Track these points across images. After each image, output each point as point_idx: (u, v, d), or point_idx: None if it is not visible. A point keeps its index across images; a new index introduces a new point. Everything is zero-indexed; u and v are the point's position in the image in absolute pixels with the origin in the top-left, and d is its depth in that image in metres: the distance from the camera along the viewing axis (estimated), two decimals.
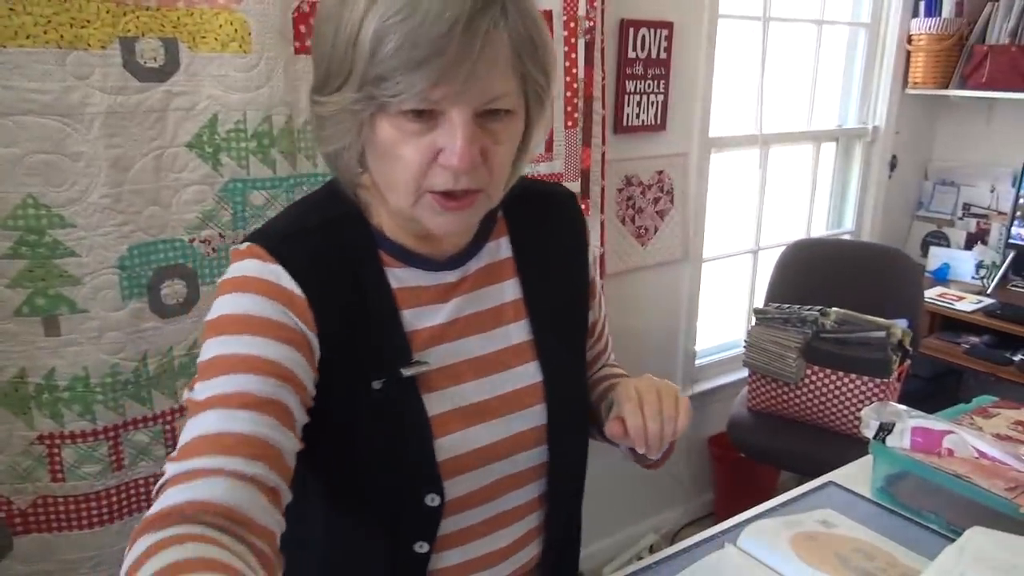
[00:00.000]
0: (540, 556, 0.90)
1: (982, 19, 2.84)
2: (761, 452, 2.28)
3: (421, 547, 0.77)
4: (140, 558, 0.53)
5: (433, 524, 0.77)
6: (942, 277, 3.07)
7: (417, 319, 0.77)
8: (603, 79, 1.97)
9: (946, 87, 2.92)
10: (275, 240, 0.73)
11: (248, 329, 0.68)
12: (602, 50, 1.95)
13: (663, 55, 2.15)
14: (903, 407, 1.15)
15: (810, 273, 2.46)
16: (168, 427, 1.48)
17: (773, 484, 2.60)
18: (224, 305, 0.70)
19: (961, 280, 3.04)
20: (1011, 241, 2.91)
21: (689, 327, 2.54)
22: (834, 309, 2.16)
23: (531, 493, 0.85)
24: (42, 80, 1.22)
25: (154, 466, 1.47)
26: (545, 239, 0.88)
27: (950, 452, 1.08)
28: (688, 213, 2.41)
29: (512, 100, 0.69)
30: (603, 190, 2.09)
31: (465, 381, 0.79)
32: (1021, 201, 2.87)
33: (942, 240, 3.23)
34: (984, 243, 3.09)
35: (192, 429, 0.64)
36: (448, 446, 0.77)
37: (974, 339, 2.73)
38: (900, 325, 2.09)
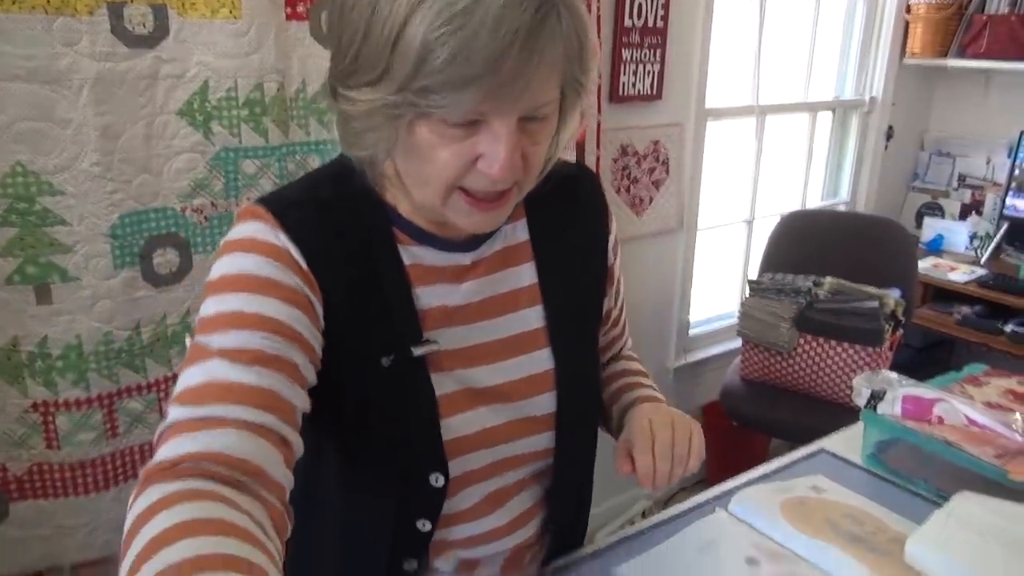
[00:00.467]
0: (543, 532, 0.90)
1: None
2: (753, 420, 2.30)
3: (424, 525, 0.77)
4: (150, 510, 0.51)
5: (437, 503, 0.77)
6: (936, 248, 3.07)
7: (429, 297, 0.76)
8: (599, 47, 1.95)
9: (944, 57, 2.90)
10: (283, 206, 0.71)
11: (252, 288, 0.66)
12: (598, 18, 1.93)
13: (660, 23, 2.13)
14: (894, 375, 1.16)
15: (804, 244, 2.46)
16: (163, 395, 1.48)
17: (764, 452, 2.63)
18: (226, 265, 0.68)
19: (955, 251, 3.05)
20: (1005, 212, 2.91)
21: (683, 297, 2.55)
22: (828, 279, 2.17)
23: (536, 474, 0.85)
24: (29, 46, 1.20)
25: (148, 434, 1.48)
26: (564, 223, 0.85)
27: (940, 420, 1.09)
28: (683, 183, 2.40)
29: (555, 103, 0.67)
30: (598, 160, 2.08)
31: (475, 365, 0.78)
32: (1016, 172, 2.87)
33: (936, 211, 3.23)
34: (979, 214, 3.09)
35: (198, 374, 0.62)
36: (454, 427, 0.76)
37: (966, 309, 2.75)
38: (893, 295, 2.10)
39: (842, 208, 3.10)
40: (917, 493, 1.07)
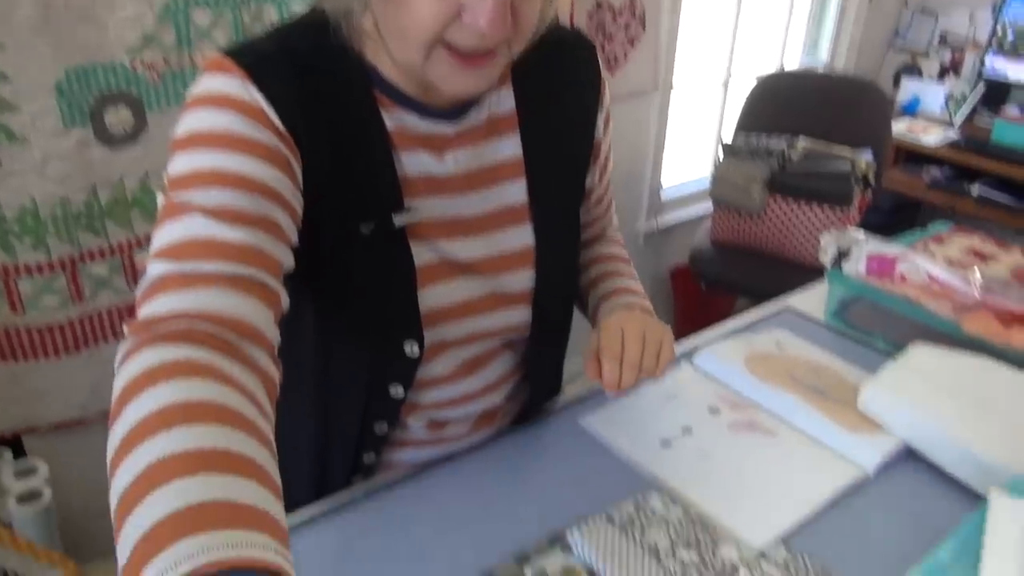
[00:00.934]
0: (515, 396, 0.91)
1: None
2: (721, 282, 2.34)
3: (397, 391, 0.78)
4: (144, 377, 0.48)
5: (410, 371, 0.77)
6: (912, 110, 3.04)
7: (412, 165, 0.72)
8: None
9: None
10: (254, 58, 0.65)
11: (227, 146, 0.61)
12: None
13: None
14: (861, 233, 1.17)
15: (780, 105, 2.41)
16: (126, 260, 1.46)
17: (730, 313, 2.69)
18: (195, 121, 0.62)
19: (930, 113, 3.02)
20: (984, 73, 2.87)
21: (656, 160, 2.52)
22: (801, 141, 2.15)
23: (511, 344, 0.85)
24: None
25: (115, 298, 1.47)
26: (553, 93, 0.79)
27: (903, 277, 1.11)
28: (660, 40, 2.31)
29: None
30: (572, 15, 1.99)
31: (455, 237, 0.75)
32: (998, 30, 2.80)
33: (915, 73, 3.18)
34: (956, 75, 3.04)
35: (178, 230, 0.57)
36: (431, 297, 0.74)
37: (936, 172, 2.76)
38: (864, 157, 2.10)
39: (821, 69, 3.03)
40: (876, 348, 1.10)
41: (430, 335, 0.75)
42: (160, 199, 0.62)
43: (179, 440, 0.43)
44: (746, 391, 0.97)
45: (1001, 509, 0.71)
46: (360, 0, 0.63)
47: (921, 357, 0.95)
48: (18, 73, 1.23)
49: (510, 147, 0.77)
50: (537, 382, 0.91)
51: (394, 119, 0.70)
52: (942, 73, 3.10)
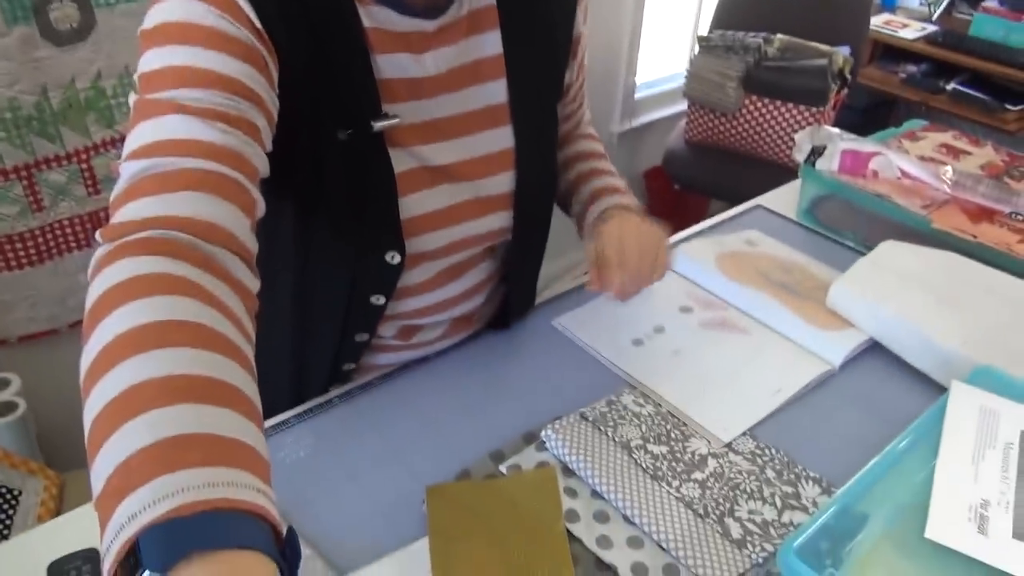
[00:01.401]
0: (490, 300, 0.91)
1: None
2: (695, 183, 2.33)
3: (378, 299, 0.77)
4: (110, 295, 0.45)
5: (391, 280, 0.76)
6: (890, 4, 2.98)
7: (390, 67, 0.69)
8: None
9: None
10: None
11: (200, 41, 0.57)
12: None
13: None
14: (836, 130, 1.16)
15: (757, 0, 2.35)
16: (84, 167, 1.41)
17: (704, 214, 2.70)
18: (165, 12, 0.58)
19: (908, 6, 2.96)
20: None
21: (631, 58, 2.46)
22: (778, 36, 2.10)
23: (492, 249, 0.84)
24: None
25: (76, 207, 1.43)
26: None
27: (875, 174, 1.11)
28: None
29: None
30: None
31: (434, 141, 0.73)
32: None
33: None
34: None
35: (151, 129, 0.54)
36: (412, 205, 0.73)
37: (912, 68, 2.73)
38: (842, 52, 2.06)
39: None
40: (846, 245, 1.11)
41: (412, 244, 0.74)
42: (132, 98, 0.58)
43: (155, 364, 0.41)
44: (717, 289, 0.98)
45: (960, 398, 0.73)
46: None
47: (890, 254, 0.96)
48: None
49: (491, 44, 0.74)
50: (516, 287, 0.91)
51: (371, 16, 0.67)
52: None
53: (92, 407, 0.41)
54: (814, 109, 2.04)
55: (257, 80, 0.59)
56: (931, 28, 2.77)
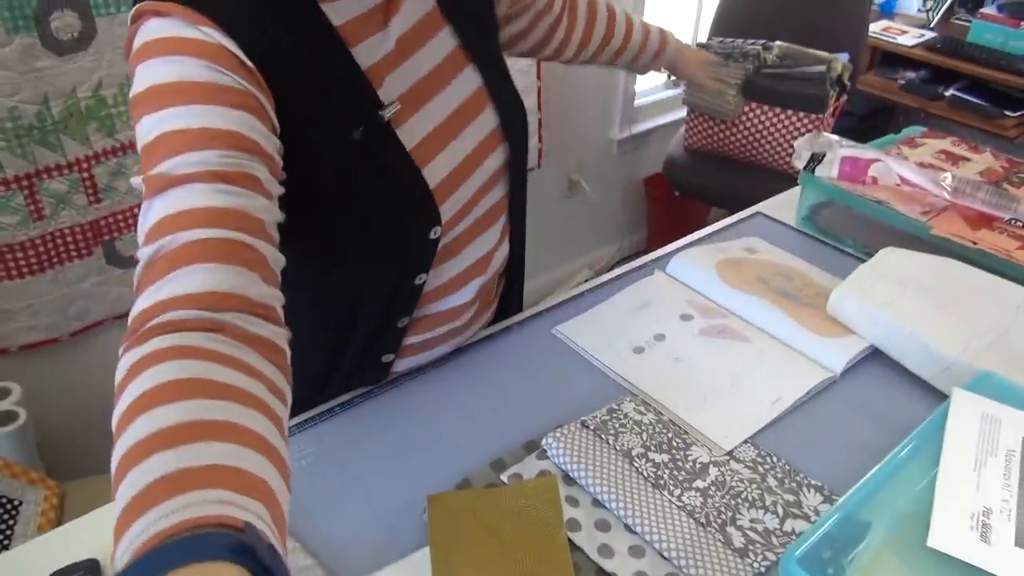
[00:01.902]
0: (509, 258, 0.93)
1: None
2: (695, 189, 2.33)
3: (421, 279, 0.78)
4: (123, 379, 0.48)
5: (432, 255, 0.78)
6: (888, 10, 2.99)
7: (367, 54, 0.71)
8: None
9: None
10: None
11: (192, 98, 0.57)
12: None
13: None
14: (836, 137, 1.16)
15: (757, 5, 2.35)
16: (86, 175, 1.41)
17: (704, 222, 2.70)
18: (152, 74, 0.58)
19: (907, 13, 2.97)
20: None
21: None
22: (777, 43, 2.10)
23: (499, 194, 0.86)
24: None
25: (77, 216, 1.43)
26: None
27: (874, 180, 1.11)
28: None
29: None
30: None
31: (422, 105, 0.76)
32: None
33: None
34: None
35: (157, 208, 0.55)
36: (433, 175, 0.76)
37: (910, 74, 2.74)
38: (841, 59, 2.06)
39: None
40: (846, 251, 1.11)
41: (444, 211, 0.76)
42: (132, 184, 0.58)
43: (144, 425, 0.44)
44: (717, 297, 0.98)
45: (962, 405, 0.73)
46: None
47: (890, 260, 0.96)
48: None
49: (423, 1, 0.78)
50: (518, 226, 0.93)
51: (336, 12, 0.68)
52: None
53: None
54: (813, 116, 2.04)
55: (254, 127, 0.59)
56: (929, 35, 2.77)
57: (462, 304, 0.86)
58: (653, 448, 0.74)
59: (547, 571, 0.63)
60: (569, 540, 0.65)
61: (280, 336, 0.55)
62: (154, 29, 0.59)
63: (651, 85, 2.67)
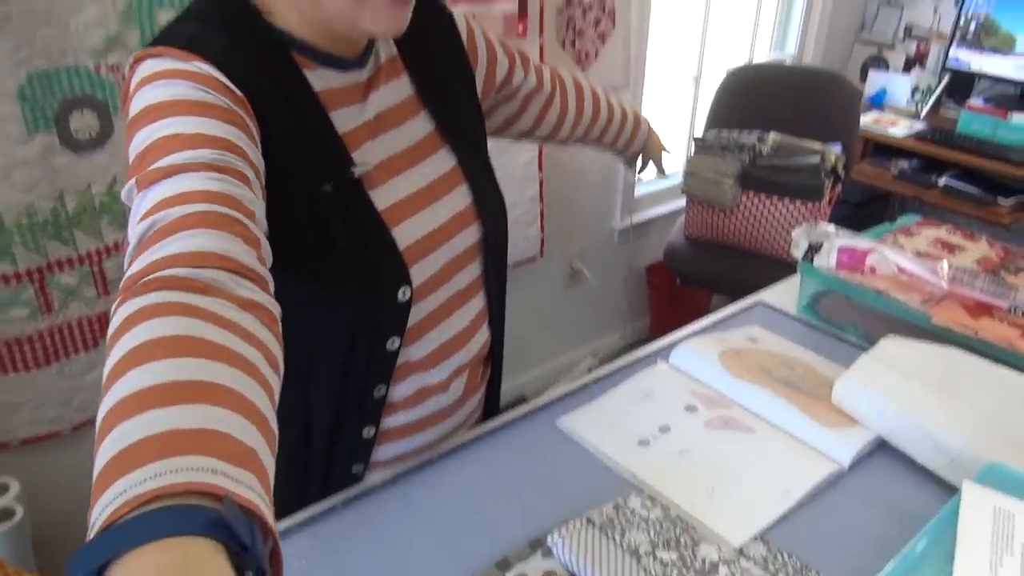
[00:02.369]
0: (489, 342, 0.94)
1: None
2: (696, 277, 2.35)
3: (393, 343, 0.79)
4: (115, 333, 0.47)
5: (403, 318, 0.79)
6: (879, 102, 3.08)
7: (344, 120, 0.76)
8: None
9: None
10: (184, 39, 0.65)
11: (184, 111, 0.60)
12: None
13: None
14: (832, 227, 1.18)
15: (750, 98, 2.43)
16: (96, 268, 1.43)
17: (706, 308, 2.72)
18: (147, 97, 0.62)
19: (897, 105, 3.06)
20: (948, 63, 2.91)
21: None
22: (771, 135, 2.16)
23: (473, 273, 0.89)
24: None
25: (85, 308, 1.44)
26: (414, 30, 0.82)
27: (872, 270, 1.13)
28: (630, 35, 2.32)
29: None
30: (541, 10, 1.99)
31: (399, 173, 0.80)
32: (962, 21, 2.84)
33: (882, 64, 3.21)
34: (922, 67, 3.09)
35: (152, 195, 0.55)
36: (403, 235, 0.78)
37: (903, 164, 2.80)
38: (834, 150, 2.12)
39: (789, 62, 3.06)
40: (847, 340, 1.12)
41: (415, 273, 0.79)
42: (123, 193, 0.59)
43: (131, 382, 0.42)
44: (721, 387, 0.98)
45: (973, 500, 0.72)
46: None
47: (892, 350, 0.97)
48: None
49: (405, 86, 0.84)
50: (497, 309, 0.95)
51: (319, 80, 0.74)
52: (908, 65, 3.14)
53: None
54: (810, 204, 2.08)
55: (242, 139, 0.62)
56: (920, 125, 2.85)
57: (438, 383, 0.87)
58: (661, 545, 0.73)
59: None
60: None
61: (274, 305, 0.55)
62: (149, 66, 0.64)
63: (650, 175, 2.73)
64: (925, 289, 1.08)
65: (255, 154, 0.64)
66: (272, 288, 0.56)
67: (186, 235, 0.52)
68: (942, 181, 2.66)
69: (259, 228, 0.59)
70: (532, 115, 1.08)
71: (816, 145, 2.13)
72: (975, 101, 2.86)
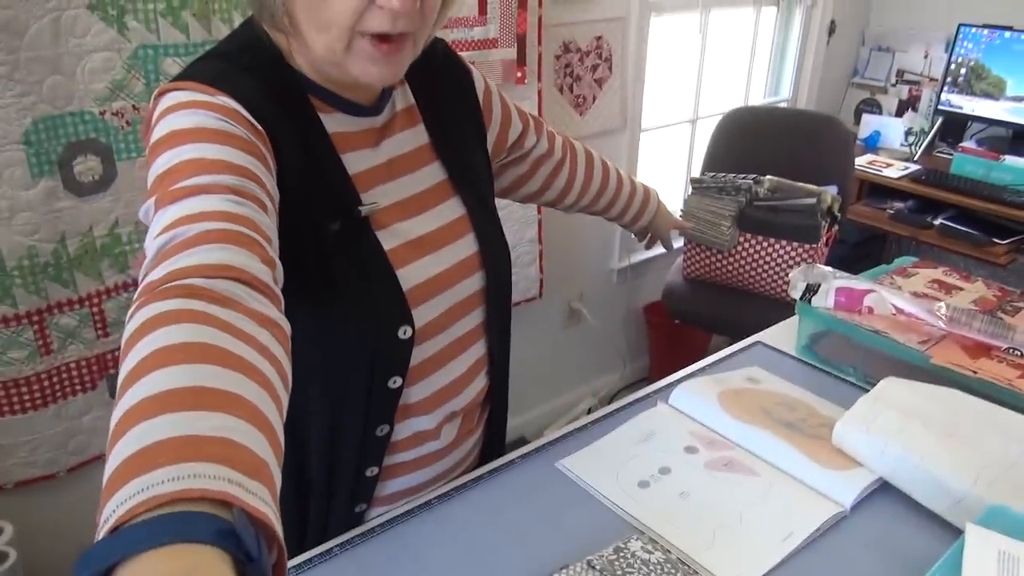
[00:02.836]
0: (488, 388, 0.95)
1: None
2: (694, 318, 2.36)
3: (395, 382, 0.80)
4: (131, 338, 0.48)
5: (405, 357, 0.80)
6: (872, 144, 3.12)
7: (355, 162, 0.78)
8: None
9: None
10: (210, 76, 0.68)
11: (206, 139, 0.63)
12: None
13: None
14: (829, 268, 1.19)
15: (746, 141, 2.46)
16: (96, 310, 1.44)
17: (705, 349, 2.71)
18: (172, 124, 0.64)
19: (890, 147, 3.10)
20: (940, 107, 2.95)
21: None
22: (767, 177, 2.19)
23: (475, 320, 0.89)
24: None
25: (84, 350, 1.44)
26: (432, 83, 0.88)
27: (870, 310, 1.13)
28: (627, 81, 2.36)
29: None
30: (540, 57, 2.03)
31: (407, 217, 0.82)
32: (952, 66, 2.90)
33: (874, 108, 3.26)
34: (914, 110, 3.13)
35: (173, 211, 0.56)
36: (408, 277, 0.79)
37: (899, 204, 2.82)
38: (830, 192, 2.14)
39: (784, 105, 3.11)
40: (847, 380, 1.12)
41: (416, 315, 0.80)
42: (140, 214, 0.61)
43: (150, 384, 0.43)
44: (721, 428, 0.98)
45: (977, 543, 0.71)
46: (279, 2, 0.68)
47: (892, 390, 0.97)
48: None
49: (420, 135, 0.86)
50: (499, 356, 0.95)
51: (333, 122, 0.77)
52: (901, 109, 3.18)
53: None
54: (807, 245, 2.10)
55: (260, 169, 0.64)
56: (914, 167, 2.89)
57: (428, 428, 0.87)
58: None
59: None
60: None
61: (286, 324, 0.56)
62: (175, 97, 0.67)
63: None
64: (923, 329, 1.08)
65: (272, 185, 0.66)
66: (283, 308, 0.58)
67: (205, 248, 0.54)
68: (938, 221, 2.68)
69: (275, 252, 0.60)
70: (541, 179, 1.11)
71: (811, 187, 2.15)
72: (968, 143, 2.90)
